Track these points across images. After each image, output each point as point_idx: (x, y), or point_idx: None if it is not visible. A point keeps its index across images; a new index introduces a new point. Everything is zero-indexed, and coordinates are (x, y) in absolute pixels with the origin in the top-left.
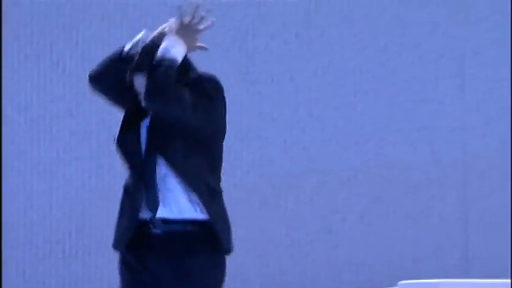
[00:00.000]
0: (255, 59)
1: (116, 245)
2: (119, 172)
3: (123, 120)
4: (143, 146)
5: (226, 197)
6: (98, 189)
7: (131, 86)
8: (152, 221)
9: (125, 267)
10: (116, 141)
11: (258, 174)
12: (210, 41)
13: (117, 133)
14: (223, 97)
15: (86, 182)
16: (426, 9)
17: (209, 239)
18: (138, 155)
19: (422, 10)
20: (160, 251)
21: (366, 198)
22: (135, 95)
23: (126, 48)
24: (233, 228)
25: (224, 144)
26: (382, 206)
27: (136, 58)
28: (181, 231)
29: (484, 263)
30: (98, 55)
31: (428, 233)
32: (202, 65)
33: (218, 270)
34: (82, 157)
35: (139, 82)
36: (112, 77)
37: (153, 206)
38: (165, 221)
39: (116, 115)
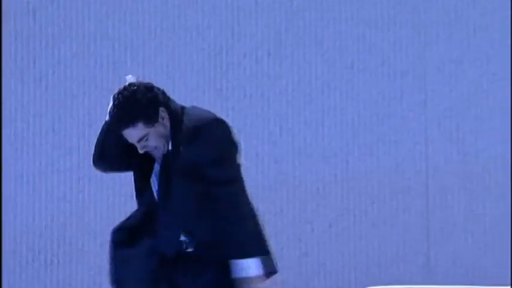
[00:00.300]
0: (228, 76)
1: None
2: (99, 184)
3: (135, 181)
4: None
5: None
6: (79, 200)
7: (125, 143)
8: (184, 241)
9: None
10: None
11: None
12: (187, 59)
13: (136, 196)
14: (226, 149)
15: (67, 193)
16: (390, 30)
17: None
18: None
19: (387, 30)
20: (188, 267)
21: (334, 209)
22: (133, 150)
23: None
24: None
25: None
26: (349, 216)
27: (112, 116)
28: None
29: (445, 269)
30: (79, 73)
31: (392, 241)
32: (180, 81)
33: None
34: (64, 170)
35: (128, 134)
36: (112, 152)
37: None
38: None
39: (96, 130)
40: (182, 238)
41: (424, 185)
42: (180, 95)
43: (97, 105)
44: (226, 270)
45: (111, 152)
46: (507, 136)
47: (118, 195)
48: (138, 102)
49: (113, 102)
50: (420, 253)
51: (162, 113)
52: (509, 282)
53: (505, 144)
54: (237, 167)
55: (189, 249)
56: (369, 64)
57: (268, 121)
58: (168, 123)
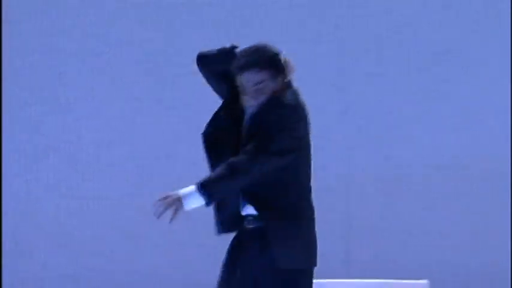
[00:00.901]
0: (169, 87)
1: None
2: (46, 186)
3: (220, 108)
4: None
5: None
6: (28, 201)
7: (233, 80)
8: (247, 217)
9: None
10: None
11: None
12: (131, 70)
13: (212, 120)
14: (291, 117)
15: (16, 195)
16: (317, 45)
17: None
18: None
19: (313, 45)
20: (246, 244)
21: None
22: (235, 88)
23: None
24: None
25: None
26: None
27: (239, 57)
28: (263, 226)
29: (364, 265)
30: (31, 83)
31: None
32: (123, 91)
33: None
34: (14, 173)
35: (242, 81)
36: (218, 65)
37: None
38: (254, 217)
39: (45, 136)
40: (246, 213)
41: (345, 187)
42: (124, 104)
43: (47, 113)
44: (288, 244)
45: (218, 64)
46: (422, 142)
47: (64, 197)
48: (272, 57)
49: (248, 48)
50: (341, 250)
51: (280, 77)
52: (422, 276)
53: (420, 150)
54: (281, 144)
55: (251, 226)
56: (295, 77)
57: None
58: (277, 89)
